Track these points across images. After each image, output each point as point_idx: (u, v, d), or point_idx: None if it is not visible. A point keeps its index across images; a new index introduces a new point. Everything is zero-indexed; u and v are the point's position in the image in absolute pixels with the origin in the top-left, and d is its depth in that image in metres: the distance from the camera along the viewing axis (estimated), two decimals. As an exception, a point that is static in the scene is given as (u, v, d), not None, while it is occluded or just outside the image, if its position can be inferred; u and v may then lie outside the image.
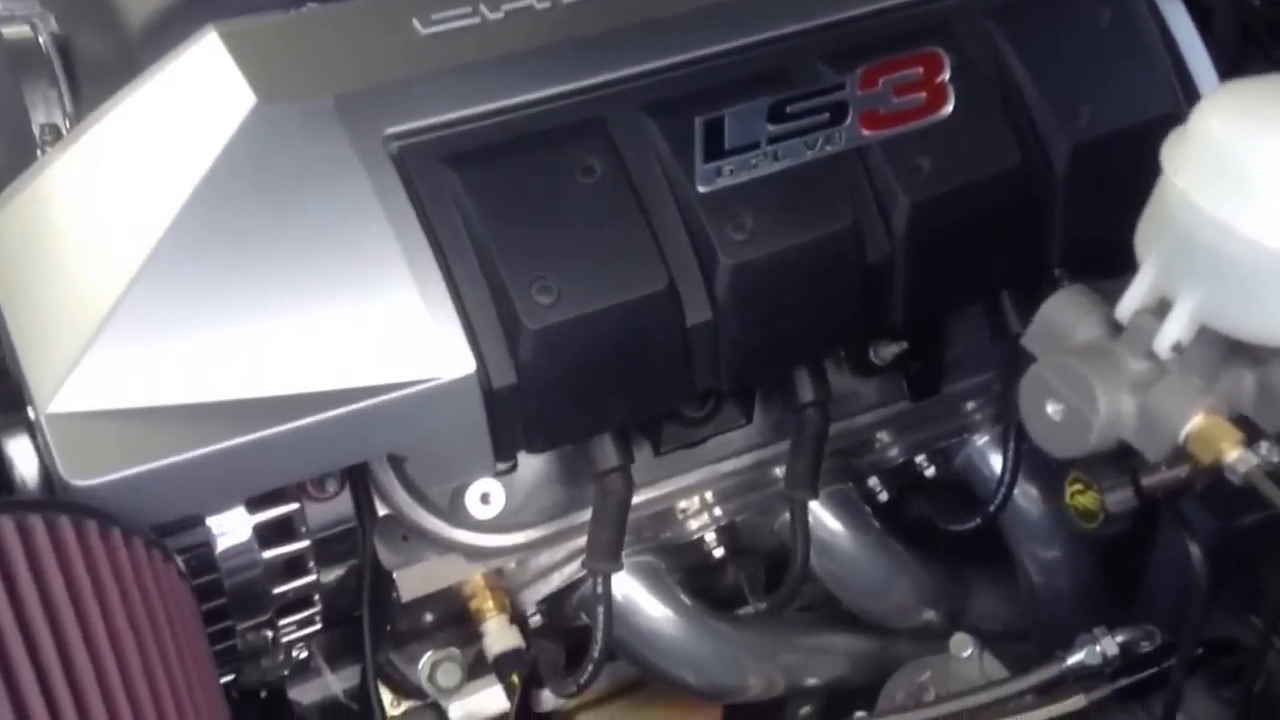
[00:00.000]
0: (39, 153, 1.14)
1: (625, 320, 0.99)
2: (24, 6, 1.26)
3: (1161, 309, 0.85)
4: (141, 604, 0.77)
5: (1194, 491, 0.97)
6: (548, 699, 1.30)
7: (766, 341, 1.05)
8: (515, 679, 1.17)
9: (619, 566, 1.10)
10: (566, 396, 0.99)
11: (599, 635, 1.11)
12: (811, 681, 1.40)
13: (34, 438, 0.94)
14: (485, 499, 1.10)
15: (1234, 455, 0.81)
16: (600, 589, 1.10)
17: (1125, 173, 1.15)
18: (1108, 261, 1.23)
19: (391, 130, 0.97)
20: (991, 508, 1.30)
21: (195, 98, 0.98)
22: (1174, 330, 0.82)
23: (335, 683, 1.25)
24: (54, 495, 0.92)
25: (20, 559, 0.73)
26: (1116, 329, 0.88)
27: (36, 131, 1.14)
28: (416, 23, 1.03)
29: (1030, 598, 1.45)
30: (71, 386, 0.88)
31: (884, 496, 1.35)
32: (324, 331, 0.93)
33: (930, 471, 1.37)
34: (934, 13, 1.13)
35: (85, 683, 0.70)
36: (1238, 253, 0.78)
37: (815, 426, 1.14)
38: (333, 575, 1.10)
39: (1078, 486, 0.97)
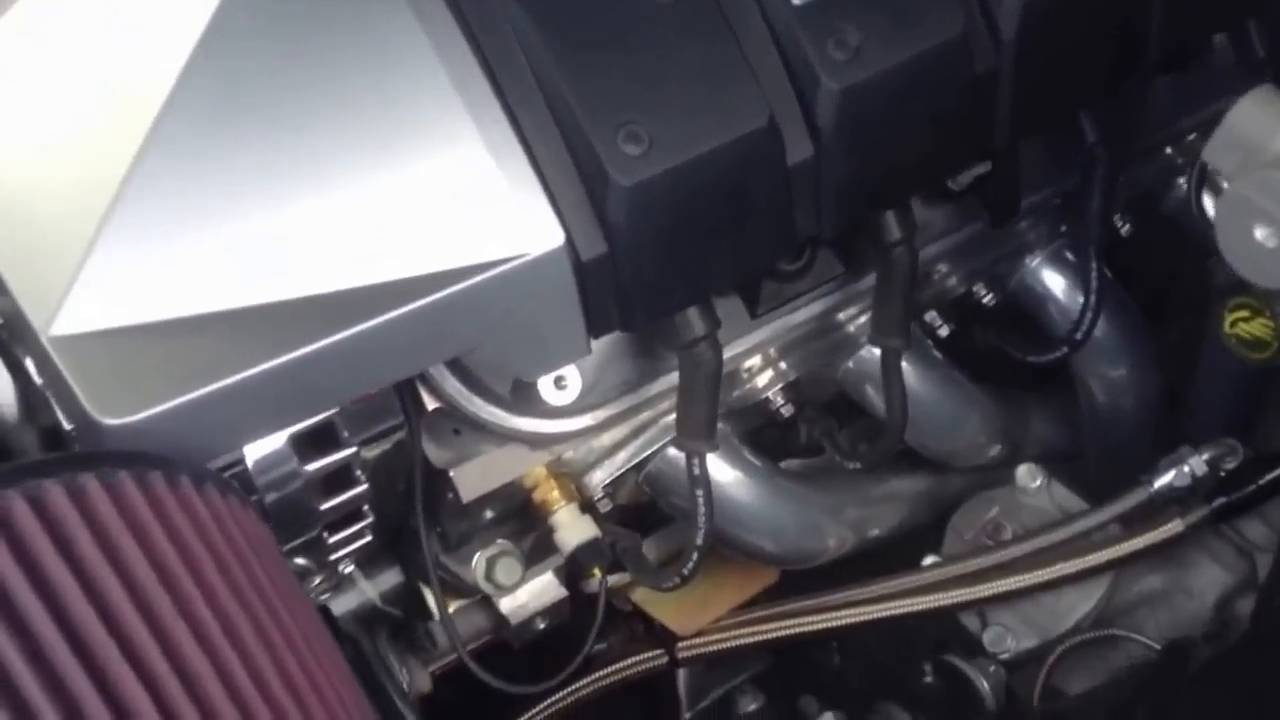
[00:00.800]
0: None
1: (725, 166, 0.84)
2: None
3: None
4: (239, 567, 0.62)
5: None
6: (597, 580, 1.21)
7: (872, 176, 0.92)
8: (597, 571, 1.05)
9: (715, 445, 0.98)
10: (664, 262, 0.85)
11: (701, 521, 0.99)
12: (875, 533, 1.31)
13: (15, 366, 0.78)
14: (560, 383, 0.97)
15: None
16: (697, 470, 0.98)
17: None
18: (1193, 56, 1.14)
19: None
20: (1079, 335, 1.20)
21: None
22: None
23: (370, 589, 1.13)
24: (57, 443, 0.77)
25: (84, 536, 0.57)
26: (1321, 136, 0.76)
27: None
28: None
29: (1091, 419, 1.37)
30: (76, 301, 0.71)
31: (944, 331, 1.24)
32: (381, 208, 0.77)
33: (989, 299, 1.27)
34: None
35: (207, 687, 0.56)
36: None
37: (906, 266, 1.02)
38: (378, 481, 0.96)
39: (1241, 314, 0.87)
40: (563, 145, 0.81)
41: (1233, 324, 0.88)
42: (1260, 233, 0.76)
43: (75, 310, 0.72)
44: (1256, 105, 0.80)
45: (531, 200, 0.79)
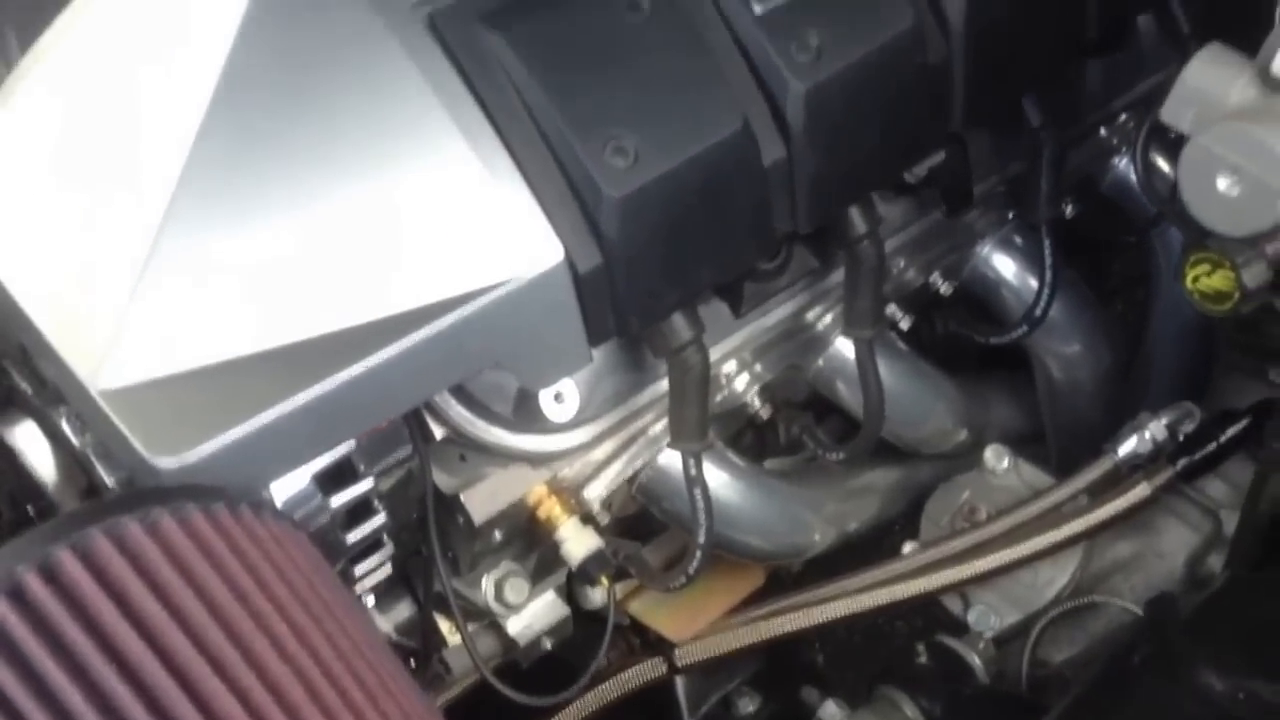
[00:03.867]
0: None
1: (706, 171, 0.88)
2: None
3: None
4: (304, 584, 0.65)
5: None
6: (595, 596, 1.23)
7: (842, 170, 0.96)
8: (605, 580, 1.08)
9: (709, 444, 1.01)
10: (655, 268, 0.89)
11: (702, 519, 1.02)
12: (854, 526, 1.35)
13: (51, 431, 0.80)
14: (559, 399, 1.00)
15: None
16: (694, 470, 1.01)
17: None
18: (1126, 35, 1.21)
19: (420, -3, 0.83)
20: (1037, 313, 1.25)
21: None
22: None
23: (384, 622, 1.15)
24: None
25: (163, 567, 0.59)
26: (1272, 85, 0.81)
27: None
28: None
29: (1049, 397, 1.43)
30: (120, 355, 0.73)
31: (905, 324, 1.29)
32: (394, 240, 0.80)
33: (945, 289, 1.32)
34: None
35: (291, 693, 0.58)
36: None
37: (872, 259, 1.07)
38: (392, 511, 0.98)
39: (1203, 268, 0.91)
40: (555, 165, 0.85)
41: (1194, 279, 0.92)
42: (1223, 183, 0.81)
43: (120, 364, 0.73)
44: (1209, 61, 0.85)
45: (530, 220, 0.83)
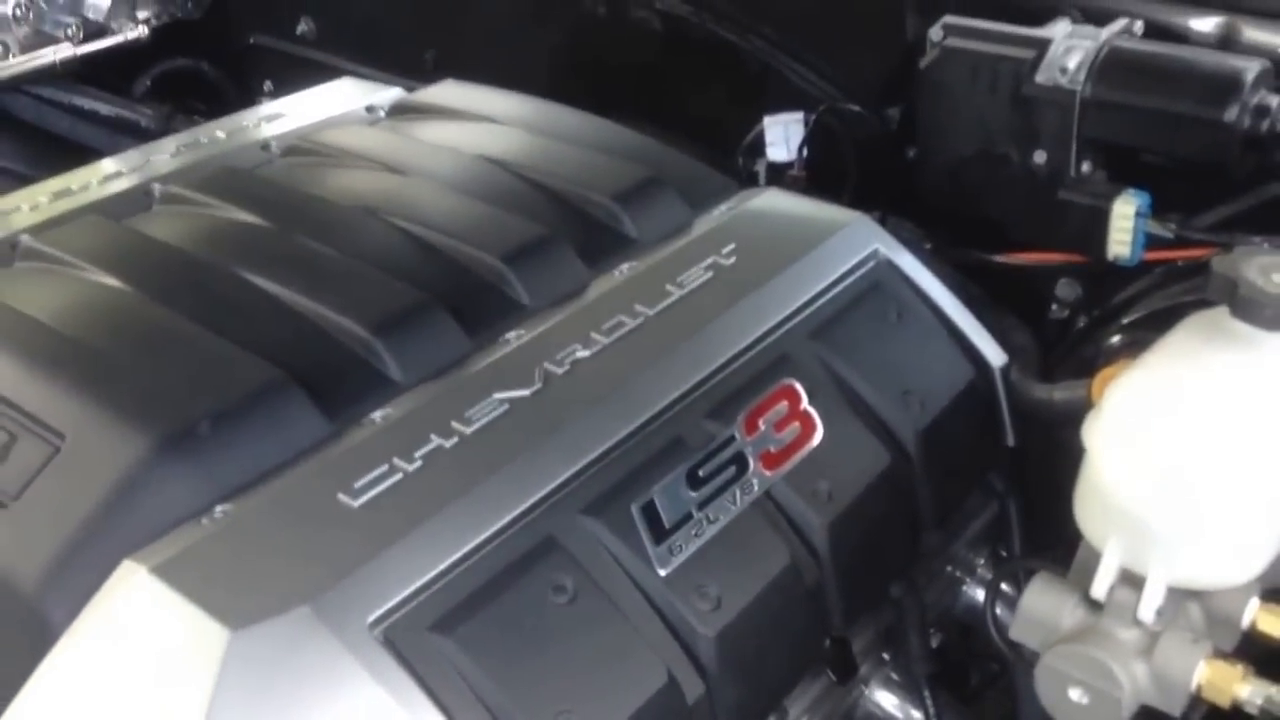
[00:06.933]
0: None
1: (644, 728, 1.00)
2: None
3: (1127, 575, 0.96)
4: None
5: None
6: None
7: (754, 694, 1.10)
8: None
9: None
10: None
11: None
12: None
13: None
14: None
15: (1246, 691, 0.93)
16: None
17: (954, 444, 1.31)
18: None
19: (373, 617, 0.95)
20: (931, 766, 1.38)
21: (155, 649, 0.90)
22: (1155, 600, 0.94)
23: None
24: None
25: None
26: (1094, 605, 0.98)
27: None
28: (343, 497, 1.02)
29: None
30: None
31: (812, 778, 1.40)
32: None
33: (846, 735, 1.44)
34: (770, 348, 1.24)
35: None
36: (1204, 529, 0.91)
37: (787, 760, 1.20)
38: None
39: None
40: (512, 752, 0.95)
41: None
42: (1075, 695, 0.96)
43: None
44: (1041, 592, 1.02)
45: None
